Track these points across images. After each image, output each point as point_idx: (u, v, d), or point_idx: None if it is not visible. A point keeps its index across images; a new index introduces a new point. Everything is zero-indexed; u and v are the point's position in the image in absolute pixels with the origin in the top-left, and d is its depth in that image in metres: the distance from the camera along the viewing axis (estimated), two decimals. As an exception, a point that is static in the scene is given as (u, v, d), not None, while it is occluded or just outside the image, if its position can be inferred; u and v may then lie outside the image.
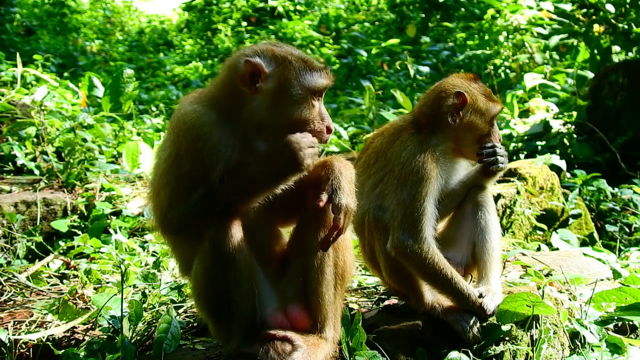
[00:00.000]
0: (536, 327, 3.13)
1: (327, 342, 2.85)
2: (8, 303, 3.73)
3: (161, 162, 2.85)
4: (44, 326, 3.36)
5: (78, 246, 4.52)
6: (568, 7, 11.52)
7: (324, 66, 2.87)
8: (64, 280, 4.24)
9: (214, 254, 2.68)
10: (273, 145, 2.72)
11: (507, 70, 11.28)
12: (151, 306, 3.52)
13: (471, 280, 3.32)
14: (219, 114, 2.75)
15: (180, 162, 2.73)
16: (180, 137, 2.74)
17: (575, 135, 7.93)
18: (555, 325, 3.21)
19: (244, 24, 18.94)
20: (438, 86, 3.31)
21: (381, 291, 3.73)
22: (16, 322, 3.42)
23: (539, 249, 5.04)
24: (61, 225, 4.96)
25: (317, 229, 2.81)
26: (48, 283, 4.15)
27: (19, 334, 3.23)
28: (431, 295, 3.15)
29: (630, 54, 10.79)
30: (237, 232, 2.69)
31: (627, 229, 6.06)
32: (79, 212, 5.20)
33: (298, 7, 19.74)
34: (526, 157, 7.70)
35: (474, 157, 3.27)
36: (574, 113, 8.23)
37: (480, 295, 3.05)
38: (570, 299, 3.49)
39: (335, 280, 2.88)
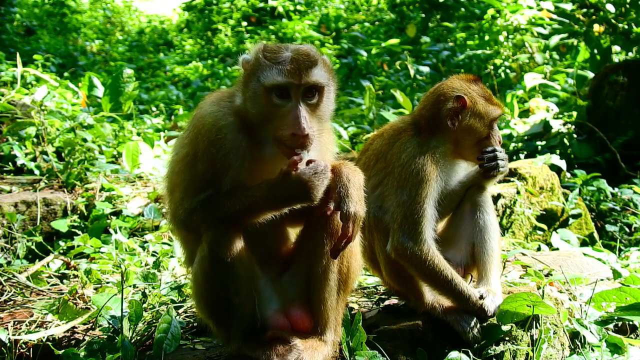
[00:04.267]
0: (536, 327, 3.13)
1: (327, 344, 2.85)
2: (8, 303, 3.73)
3: (178, 159, 2.86)
4: (44, 326, 3.36)
5: (78, 246, 4.52)
6: (568, 7, 11.52)
7: (289, 62, 2.65)
8: (64, 280, 4.24)
9: (212, 261, 2.68)
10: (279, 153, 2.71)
11: (507, 70, 11.27)
12: (151, 306, 3.52)
13: (471, 280, 3.32)
14: (236, 117, 2.74)
15: (196, 163, 2.74)
16: (198, 139, 2.75)
17: (575, 135, 7.93)
18: (555, 325, 3.21)
19: (244, 24, 18.93)
20: (437, 89, 3.30)
21: (381, 291, 3.73)
22: (16, 322, 3.42)
23: (539, 249, 5.04)
24: (61, 225, 4.96)
25: (324, 235, 2.80)
26: (48, 283, 4.15)
27: (19, 334, 3.23)
28: (431, 296, 3.15)
29: (630, 54, 10.78)
30: (236, 238, 2.69)
31: (627, 229, 6.06)
32: (79, 212, 5.20)
33: (298, 7, 19.73)
34: (526, 157, 7.69)
35: (473, 159, 3.26)
36: (574, 113, 8.22)
37: (481, 297, 3.05)
38: (570, 299, 3.49)
39: (339, 286, 2.87)
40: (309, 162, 2.65)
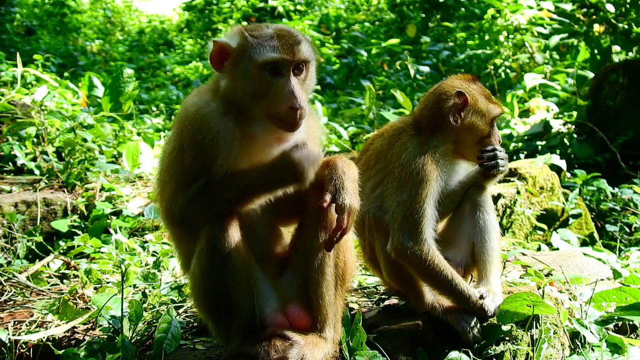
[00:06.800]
0: (536, 327, 3.13)
1: (327, 341, 2.85)
2: (8, 303, 3.73)
3: (166, 155, 2.88)
4: (44, 326, 3.36)
5: (78, 246, 4.52)
6: (568, 6, 11.52)
7: (276, 39, 2.71)
8: (64, 280, 4.24)
9: (210, 254, 2.68)
10: (268, 129, 2.74)
11: (507, 70, 11.28)
12: (151, 306, 3.52)
13: (471, 280, 3.32)
14: (219, 105, 2.76)
15: (183, 155, 2.74)
16: (183, 131, 2.77)
17: (575, 135, 7.93)
18: (556, 325, 3.21)
19: (244, 23, 18.92)
20: (437, 88, 3.31)
21: (381, 291, 3.73)
22: (16, 322, 3.42)
23: (539, 249, 5.03)
24: (61, 225, 4.96)
25: (319, 229, 2.81)
26: (48, 283, 4.15)
27: (19, 334, 3.23)
28: (431, 295, 3.15)
29: (630, 54, 10.79)
30: (234, 232, 2.69)
31: (627, 229, 6.06)
32: (79, 212, 5.20)
33: (298, 7, 19.73)
34: (526, 157, 7.68)
35: (474, 158, 3.27)
36: (574, 113, 8.22)
37: (481, 297, 3.05)
38: (570, 299, 3.49)
39: (336, 281, 2.88)
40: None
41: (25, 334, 3.24)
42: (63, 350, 2.94)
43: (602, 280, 3.94)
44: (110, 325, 3.11)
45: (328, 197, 2.68)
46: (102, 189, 5.47)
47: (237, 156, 2.73)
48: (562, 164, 6.34)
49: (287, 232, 3.13)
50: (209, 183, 2.69)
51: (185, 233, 2.86)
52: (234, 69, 2.75)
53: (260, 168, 2.71)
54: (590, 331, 3.21)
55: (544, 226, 5.43)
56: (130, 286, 3.82)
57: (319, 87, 11.27)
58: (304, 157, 2.63)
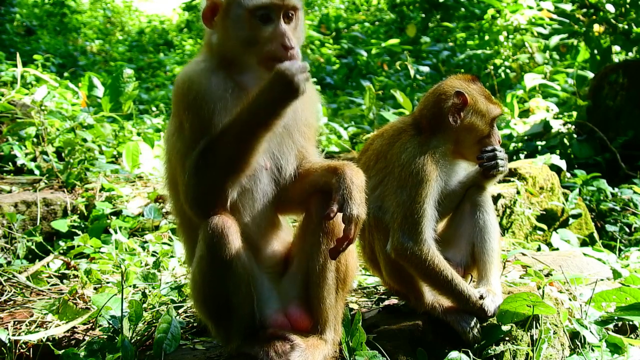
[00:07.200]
0: (536, 327, 3.13)
1: (327, 343, 2.85)
2: (8, 303, 3.73)
3: (168, 137, 2.88)
4: (44, 326, 3.36)
5: (78, 246, 4.52)
6: (568, 7, 11.52)
7: None
8: (64, 280, 4.24)
9: (210, 259, 2.67)
10: (261, 78, 2.71)
11: (507, 70, 11.28)
12: (151, 306, 3.52)
13: (471, 280, 3.32)
14: (209, 63, 2.78)
15: (183, 126, 2.73)
16: (178, 101, 2.78)
17: (575, 135, 7.93)
18: (555, 325, 3.21)
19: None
20: (437, 88, 3.31)
21: (381, 291, 3.73)
22: (16, 322, 3.42)
23: (539, 249, 5.03)
24: (61, 225, 4.95)
25: (321, 233, 2.80)
26: (48, 283, 4.15)
27: (19, 334, 3.23)
28: (431, 295, 3.15)
29: (630, 54, 10.79)
30: (234, 237, 2.67)
31: (627, 229, 6.05)
32: (79, 212, 5.19)
33: (298, 7, 19.70)
34: (526, 157, 7.69)
35: (474, 159, 3.27)
36: (574, 113, 8.22)
37: (481, 297, 3.05)
38: (570, 299, 3.49)
39: (337, 285, 2.87)
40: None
41: (25, 334, 3.24)
42: (63, 350, 2.94)
43: (602, 280, 3.94)
44: (110, 325, 3.11)
45: (335, 207, 2.66)
46: (102, 189, 5.47)
47: (232, 109, 2.69)
48: (562, 164, 6.34)
49: (288, 228, 3.12)
50: (210, 139, 2.64)
51: (202, 213, 2.71)
52: (224, 20, 2.76)
53: (250, 99, 2.65)
54: (590, 331, 3.21)
55: (544, 226, 5.43)
56: (130, 286, 3.82)
57: (319, 87, 11.25)
58: (288, 66, 2.59)
